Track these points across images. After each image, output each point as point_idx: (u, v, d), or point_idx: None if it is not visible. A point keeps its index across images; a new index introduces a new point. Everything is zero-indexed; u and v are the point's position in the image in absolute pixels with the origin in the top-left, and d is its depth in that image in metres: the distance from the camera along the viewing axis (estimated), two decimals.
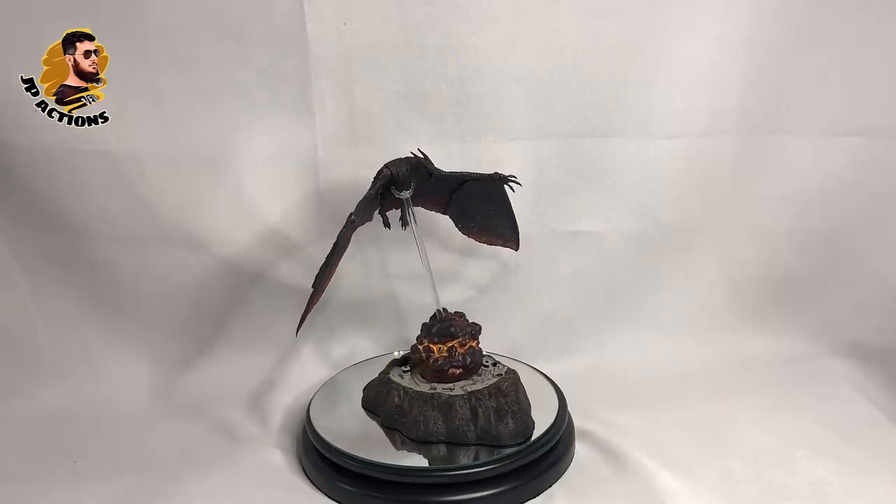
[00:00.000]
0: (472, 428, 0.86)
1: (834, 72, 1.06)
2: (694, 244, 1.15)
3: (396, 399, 0.89)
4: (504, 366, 0.95)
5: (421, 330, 0.94)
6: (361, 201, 0.87)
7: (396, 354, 1.01)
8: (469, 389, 0.89)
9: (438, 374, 0.91)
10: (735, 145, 1.09)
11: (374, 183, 0.89)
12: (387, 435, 0.88)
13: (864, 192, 1.10)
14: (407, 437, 0.87)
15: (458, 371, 0.91)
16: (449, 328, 0.92)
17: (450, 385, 0.90)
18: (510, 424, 0.86)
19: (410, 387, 0.91)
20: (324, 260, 0.86)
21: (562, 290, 1.15)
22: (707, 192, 1.12)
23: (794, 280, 1.16)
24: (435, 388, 0.90)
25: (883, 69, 1.05)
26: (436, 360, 0.91)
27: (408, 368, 0.96)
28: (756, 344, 1.16)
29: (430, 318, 0.95)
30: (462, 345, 0.91)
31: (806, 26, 1.03)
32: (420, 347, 0.93)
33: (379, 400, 0.92)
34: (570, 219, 1.12)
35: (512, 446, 0.85)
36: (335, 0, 1.00)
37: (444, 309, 0.95)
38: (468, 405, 0.87)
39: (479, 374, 0.93)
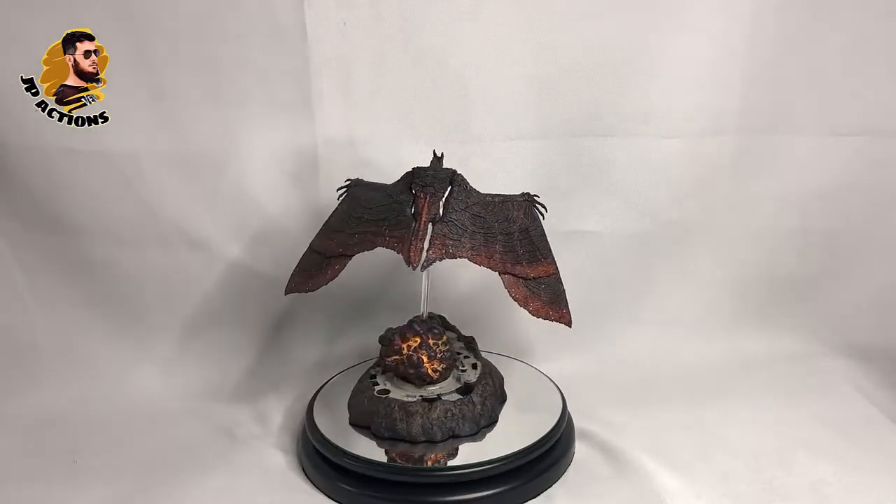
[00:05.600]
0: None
1: (834, 72, 1.06)
2: (694, 244, 1.15)
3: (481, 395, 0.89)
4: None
5: (415, 335, 0.92)
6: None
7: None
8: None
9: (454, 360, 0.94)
10: (735, 145, 1.09)
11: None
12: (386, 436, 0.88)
13: (864, 192, 1.10)
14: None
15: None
16: (439, 323, 0.93)
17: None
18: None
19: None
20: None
21: None
22: (707, 192, 1.12)
23: (794, 280, 1.16)
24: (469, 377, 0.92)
25: (883, 69, 1.05)
26: (447, 351, 0.92)
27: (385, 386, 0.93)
28: (756, 344, 1.16)
29: (410, 325, 0.92)
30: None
31: (806, 26, 1.04)
32: (445, 348, 0.92)
33: (432, 418, 0.86)
34: (570, 218, 1.12)
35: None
36: (335, 0, 1.00)
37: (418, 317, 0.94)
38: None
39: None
